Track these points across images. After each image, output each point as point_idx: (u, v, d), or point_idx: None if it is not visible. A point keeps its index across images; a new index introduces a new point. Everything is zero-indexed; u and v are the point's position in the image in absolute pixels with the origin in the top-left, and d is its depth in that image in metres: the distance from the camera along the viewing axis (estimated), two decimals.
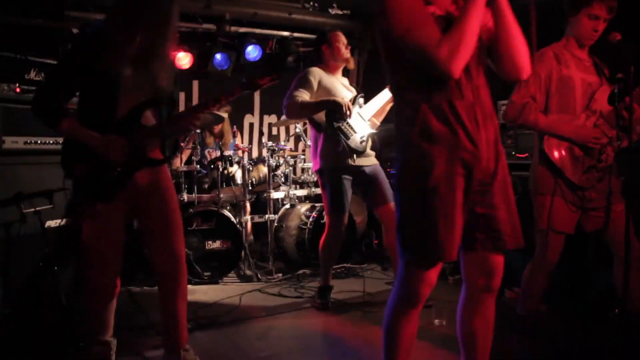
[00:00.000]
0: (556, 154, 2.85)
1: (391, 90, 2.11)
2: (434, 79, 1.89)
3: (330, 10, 5.54)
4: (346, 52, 3.92)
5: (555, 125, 2.85)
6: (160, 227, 2.61)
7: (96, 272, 2.54)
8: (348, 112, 3.64)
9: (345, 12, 5.67)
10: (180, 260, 2.64)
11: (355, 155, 3.73)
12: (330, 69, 3.94)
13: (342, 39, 3.92)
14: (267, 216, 5.04)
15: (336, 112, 3.64)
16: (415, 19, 1.85)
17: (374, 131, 3.92)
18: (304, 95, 3.70)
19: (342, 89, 3.90)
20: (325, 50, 3.92)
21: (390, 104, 3.83)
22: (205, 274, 4.59)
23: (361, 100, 3.88)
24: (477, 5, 1.84)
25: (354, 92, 3.93)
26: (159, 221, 2.60)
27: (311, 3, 5.41)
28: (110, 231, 2.54)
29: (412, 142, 1.94)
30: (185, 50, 5.64)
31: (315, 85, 3.76)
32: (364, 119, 3.85)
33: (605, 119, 2.84)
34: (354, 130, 3.74)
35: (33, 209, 2.89)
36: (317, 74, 3.80)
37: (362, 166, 3.81)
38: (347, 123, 3.71)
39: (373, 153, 3.94)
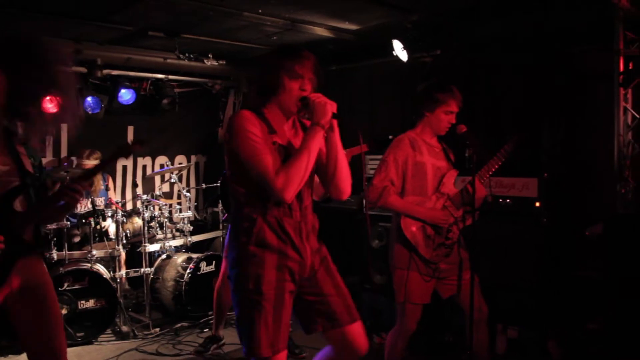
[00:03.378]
0: (411, 232, 3.18)
1: (231, 203, 2.41)
2: (268, 199, 2.26)
3: (205, 61, 5.62)
4: None
5: (410, 207, 3.19)
6: (38, 326, 2.44)
7: None
8: None
9: (220, 62, 5.78)
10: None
11: None
12: None
13: None
14: (142, 270, 5.00)
15: None
16: (259, 148, 2.21)
17: None
18: None
19: None
20: None
21: None
22: (78, 334, 4.47)
23: None
24: (314, 140, 2.26)
25: None
26: (36, 321, 2.44)
27: (186, 54, 5.45)
28: None
29: (248, 250, 2.27)
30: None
31: None
32: None
33: (452, 201, 3.24)
34: None
35: None
36: None
37: None
38: None
39: None
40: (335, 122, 2.33)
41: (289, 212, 2.30)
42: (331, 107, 2.27)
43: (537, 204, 3.93)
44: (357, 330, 2.41)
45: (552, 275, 3.96)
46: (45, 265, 2.60)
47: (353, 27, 4.84)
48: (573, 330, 3.90)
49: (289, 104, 2.32)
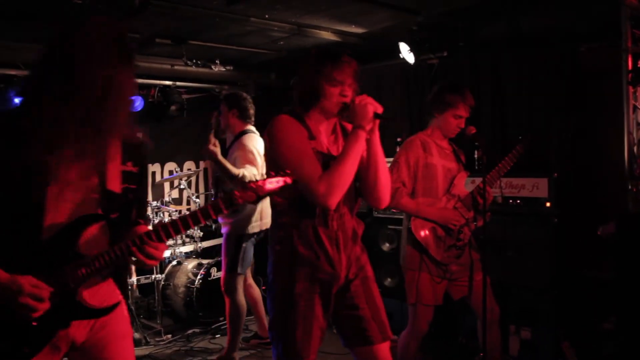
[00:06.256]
0: (421, 233, 3.18)
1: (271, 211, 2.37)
2: (305, 208, 2.19)
3: (213, 67, 5.64)
4: None
5: (422, 208, 3.19)
6: None
7: None
8: None
9: (228, 68, 5.79)
10: None
11: None
12: None
13: None
14: (153, 276, 5.01)
15: None
16: (301, 154, 2.15)
17: None
18: None
19: None
20: None
21: None
22: None
23: None
24: (357, 144, 2.16)
25: None
26: None
27: (194, 61, 5.46)
28: None
29: (280, 260, 2.28)
30: None
31: None
32: None
33: (463, 203, 3.23)
34: None
35: None
36: None
37: None
38: None
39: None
40: (377, 124, 2.23)
41: (324, 221, 2.23)
42: (373, 107, 2.17)
43: (548, 204, 3.91)
44: (385, 351, 2.34)
45: (565, 276, 3.94)
46: (127, 312, 1.94)
47: (359, 30, 4.84)
48: (587, 331, 3.88)
49: (331, 109, 2.26)
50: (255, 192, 1.77)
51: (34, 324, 1.64)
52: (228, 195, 1.76)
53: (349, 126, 2.30)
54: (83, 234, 1.70)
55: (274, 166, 2.21)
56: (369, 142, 2.23)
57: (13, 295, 1.57)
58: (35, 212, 1.64)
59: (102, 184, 1.73)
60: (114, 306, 1.81)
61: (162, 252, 1.76)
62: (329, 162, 2.20)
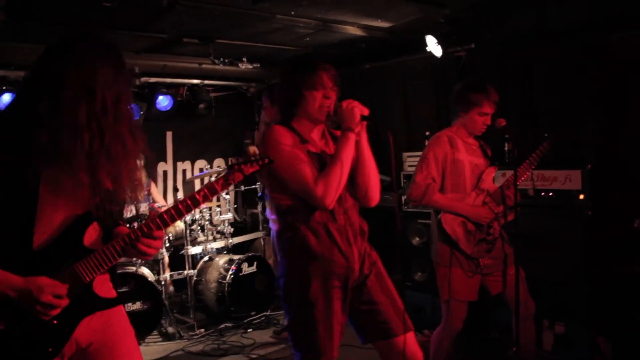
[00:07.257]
0: (451, 227, 3.16)
1: (274, 214, 2.40)
2: (310, 206, 2.26)
3: (240, 65, 5.68)
4: None
5: (454, 204, 3.17)
6: None
7: None
8: None
9: (255, 65, 5.83)
10: None
11: None
12: None
13: None
14: (186, 272, 5.09)
15: None
16: (296, 159, 2.25)
17: None
18: None
19: None
20: None
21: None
22: None
23: None
24: (348, 146, 2.28)
25: None
26: None
27: (221, 59, 5.51)
28: None
29: (292, 259, 2.32)
30: None
31: None
32: None
33: (492, 197, 3.20)
34: None
35: None
36: None
37: None
38: None
39: None
40: (364, 126, 2.34)
41: (332, 216, 2.29)
42: (360, 110, 2.29)
43: (581, 197, 3.84)
44: (411, 341, 2.36)
45: (598, 269, 3.87)
46: (124, 310, 2.01)
47: (385, 24, 4.82)
48: (622, 326, 3.81)
49: (316, 113, 2.36)
50: (241, 172, 1.92)
51: (55, 322, 1.69)
52: (223, 176, 1.91)
53: (337, 133, 2.41)
54: (87, 231, 1.77)
55: (271, 174, 2.30)
56: (357, 143, 2.33)
57: (33, 296, 1.60)
58: (30, 212, 1.65)
59: (97, 181, 1.70)
60: (122, 298, 1.91)
61: (160, 242, 1.85)
62: (325, 161, 2.32)
